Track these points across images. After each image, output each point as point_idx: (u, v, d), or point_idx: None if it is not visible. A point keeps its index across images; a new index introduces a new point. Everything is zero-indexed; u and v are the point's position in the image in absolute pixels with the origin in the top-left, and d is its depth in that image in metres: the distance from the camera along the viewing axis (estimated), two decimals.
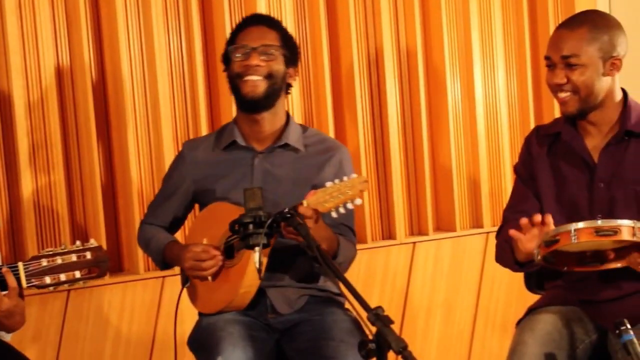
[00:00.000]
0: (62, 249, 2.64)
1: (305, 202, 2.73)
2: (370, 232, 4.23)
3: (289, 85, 3.13)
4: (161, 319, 3.84)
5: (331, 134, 4.13)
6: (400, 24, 4.36)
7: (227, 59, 3.12)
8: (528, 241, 2.69)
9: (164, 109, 3.81)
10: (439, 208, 4.48)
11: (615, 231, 2.53)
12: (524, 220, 2.71)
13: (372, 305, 4.12)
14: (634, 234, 2.53)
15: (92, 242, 2.66)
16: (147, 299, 3.83)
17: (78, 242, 2.67)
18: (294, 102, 4.05)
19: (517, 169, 3.11)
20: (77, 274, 2.62)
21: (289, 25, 4.00)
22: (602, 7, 4.79)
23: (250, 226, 2.56)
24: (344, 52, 4.21)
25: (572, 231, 2.54)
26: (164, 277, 3.79)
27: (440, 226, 4.48)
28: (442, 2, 4.39)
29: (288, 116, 3.17)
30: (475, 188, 4.49)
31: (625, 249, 2.65)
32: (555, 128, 3.00)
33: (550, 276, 3.02)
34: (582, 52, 2.82)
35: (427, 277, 4.40)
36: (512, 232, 2.73)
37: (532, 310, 2.97)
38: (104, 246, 3.68)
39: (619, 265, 2.68)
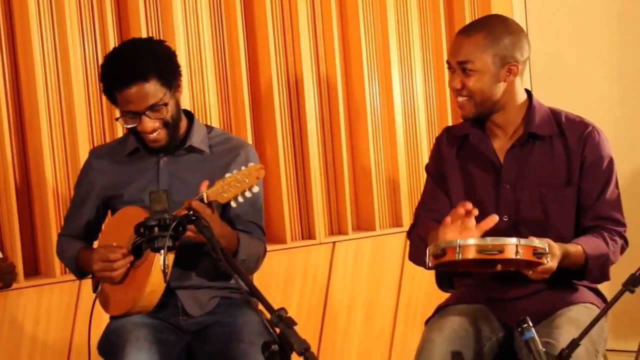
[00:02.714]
0: None
1: (204, 194, 2.75)
2: (289, 232, 4.24)
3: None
4: (78, 323, 3.80)
5: (249, 134, 4.13)
6: (318, 25, 4.38)
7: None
8: (450, 231, 2.70)
9: (78, 110, 3.77)
10: (359, 208, 4.51)
11: (500, 250, 2.57)
12: (460, 209, 2.71)
13: (293, 306, 4.21)
14: (516, 252, 2.56)
15: None
16: (63, 302, 3.79)
17: None
18: (210, 103, 4.04)
19: (428, 169, 3.14)
20: None
21: (206, 31, 4.00)
22: (518, 8, 4.87)
23: (156, 229, 2.55)
24: (261, 53, 4.21)
25: (457, 247, 2.57)
26: (80, 280, 3.75)
27: (360, 226, 4.51)
28: (360, 1, 4.41)
29: (191, 116, 3.15)
30: (394, 187, 4.53)
31: (515, 261, 2.69)
32: (464, 130, 3.04)
33: (460, 275, 3.06)
34: (476, 59, 2.86)
35: (348, 276, 4.43)
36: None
37: (440, 309, 3.01)
38: (19, 249, 3.66)
39: (510, 268, 2.72)
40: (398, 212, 4.52)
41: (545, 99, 4.32)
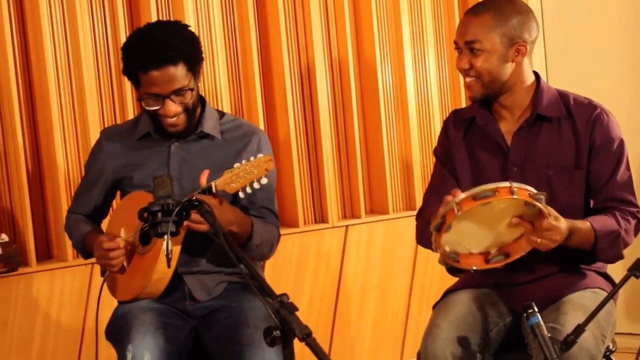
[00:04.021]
0: None
1: (213, 184, 2.74)
2: (302, 215, 4.24)
3: None
4: (90, 307, 3.81)
5: (261, 117, 4.12)
6: (330, 8, 4.35)
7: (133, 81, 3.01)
8: None
9: (89, 94, 3.78)
10: (372, 191, 4.50)
11: (494, 192, 2.54)
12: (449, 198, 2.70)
13: (306, 290, 4.21)
14: (511, 192, 2.54)
15: (3, 237, 2.65)
16: (75, 286, 3.81)
17: None
18: (221, 87, 4.04)
19: (436, 152, 3.12)
20: None
21: (216, 14, 4.00)
22: None
23: (159, 214, 2.54)
24: (273, 38, 4.19)
25: (455, 205, 2.55)
26: (92, 264, 3.76)
27: (373, 209, 4.50)
28: None
29: (203, 102, 3.14)
30: (407, 171, 4.51)
31: (522, 236, 2.67)
32: (471, 112, 3.02)
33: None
34: (484, 38, 2.83)
35: (361, 260, 4.42)
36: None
37: (448, 294, 3.00)
38: (31, 233, 3.68)
39: (523, 253, 2.70)
40: (411, 195, 4.50)
41: (560, 83, 4.29)
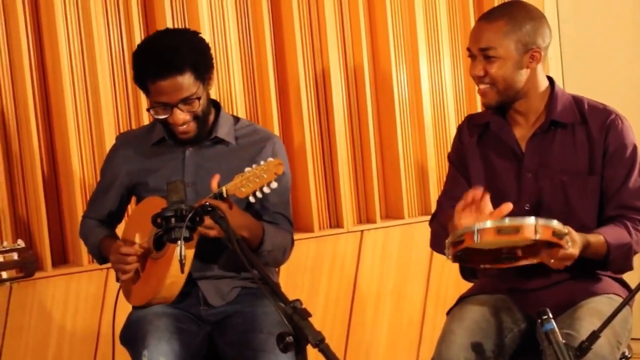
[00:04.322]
0: None
1: (224, 189, 2.74)
2: (317, 220, 4.23)
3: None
4: (106, 312, 3.82)
5: (276, 123, 4.12)
6: (345, 14, 4.35)
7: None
8: (465, 216, 2.69)
9: (104, 100, 3.79)
10: (387, 196, 4.49)
11: (517, 229, 2.53)
12: (473, 193, 2.69)
13: (321, 295, 4.21)
14: (535, 232, 2.53)
15: (20, 243, 2.65)
16: (91, 291, 3.81)
17: (5, 243, 2.66)
18: (236, 93, 4.04)
19: (450, 157, 3.12)
20: (4, 275, 2.61)
21: (231, 20, 4.00)
22: None
23: (172, 220, 2.55)
24: (288, 44, 4.19)
25: (476, 232, 2.54)
26: (108, 268, 3.77)
27: (388, 214, 4.49)
28: None
29: (218, 107, 3.14)
30: (423, 175, 4.50)
31: (536, 246, 2.66)
32: (485, 118, 3.01)
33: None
34: (498, 45, 2.82)
35: (376, 265, 4.41)
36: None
37: (462, 299, 2.99)
38: (47, 238, 3.69)
39: (533, 261, 2.69)
40: (427, 200, 4.49)
41: (576, 87, 4.27)
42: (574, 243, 2.61)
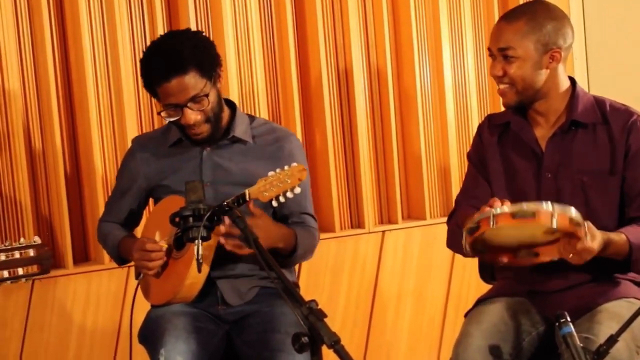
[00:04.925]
0: (5, 246, 2.64)
1: (247, 192, 2.75)
2: (338, 220, 4.22)
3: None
4: (127, 309, 3.83)
5: (298, 123, 4.12)
6: (368, 13, 4.34)
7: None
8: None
9: (127, 100, 3.80)
10: (409, 196, 4.47)
11: (533, 214, 2.51)
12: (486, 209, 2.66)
13: (342, 295, 4.20)
14: (552, 217, 2.50)
15: (36, 240, 2.66)
16: (112, 288, 3.83)
17: (22, 239, 2.67)
18: (259, 93, 4.04)
19: (470, 156, 3.10)
20: (20, 271, 2.62)
21: (255, 21, 4.01)
22: None
23: (190, 219, 2.56)
24: (311, 43, 4.19)
25: (492, 216, 2.52)
26: (129, 267, 3.77)
27: (410, 215, 4.47)
28: None
29: (233, 106, 3.14)
30: (445, 176, 4.48)
31: (554, 242, 2.63)
32: (505, 117, 2.99)
33: (501, 267, 3.00)
34: (517, 45, 2.80)
35: (397, 265, 4.39)
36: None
37: (480, 302, 2.97)
38: (68, 235, 3.71)
39: (552, 258, 2.66)
40: (449, 200, 4.46)
41: (602, 87, 4.23)
42: (592, 237, 2.57)
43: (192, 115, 2.94)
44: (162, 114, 3.00)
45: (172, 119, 2.98)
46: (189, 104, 2.92)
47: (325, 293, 4.19)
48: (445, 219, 4.35)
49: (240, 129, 3.09)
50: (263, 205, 2.86)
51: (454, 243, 2.95)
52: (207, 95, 2.93)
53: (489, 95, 4.62)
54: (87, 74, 3.74)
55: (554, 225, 2.51)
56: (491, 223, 2.52)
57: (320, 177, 4.20)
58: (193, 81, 2.90)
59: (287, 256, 2.98)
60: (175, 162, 3.11)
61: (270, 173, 2.74)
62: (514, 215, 2.52)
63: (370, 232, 4.30)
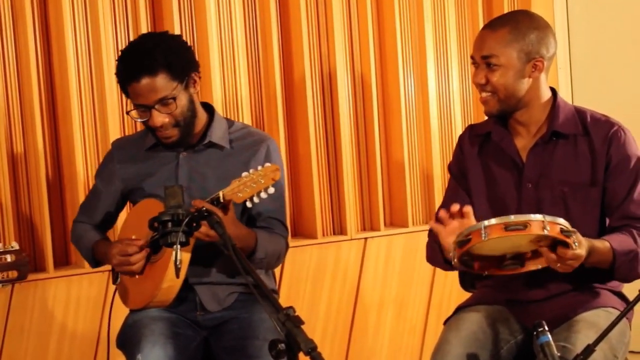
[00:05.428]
0: None
1: (220, 194, 2.74)
2: (321, 227, 4.22)
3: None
4: (107, 314, 3.76)
5: (281, 128, 4.12)
6: (353, 19, 4.34)
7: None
8: (448, 235, 2.69)
9: (110, 103, 3.80)
10: (392, 203, 4.48)
11: (525, 225, 2.50)
12: (442, 213, 2.69)
13: (323, 302, 4.20)
14: (543, 228, 2.50)
15: (14, 245, 2.66)
16: (92, 293, 3.82)
17: (0, 245, 2.67)
18: (242, 98, 4.04)
19: (450, 168, 3.11)
20: None
21: (239, 25, 4.01)
22: (559, 5, 4.80)
23: (169, 224, 2.55)
24: (296, 49, 4.19)
25: (483, 228, 2.52)
26: (110, 271, 3.75)
27: (392, 222, 4.47)
28: None
29: (211, 110, 3.14)
30: (427, 183, 4.49)
31: (539, 250, 2.63)
32: (486, 128, 3.00)
33: (482, 275, 3.00)
34: (500, 53, 2.81)
35: (379, 272, 4.39)
36: (433, 224, 2.72)
37: (459, 309, 2.97)
38: (49, 239, 3.70)
39: (539, 266, 2.66)
40: (431, 208, 4.47)
41: (585, 97, 4.24)
42: (580, 244, 2.57)
43: (159, 118, 2.93)
44: (132, 113, 3.00)
45: (139, 120, 2.99)
46: (156, 106, 2.92)
47: (307, 299, 4.19)
48: (427, 226, 4.36)
49: (217, 134, 3.08)
50: (236, 206, 2.85)
51: (432, 257, 2.96)
52: (174, 99, 2.92)
53: (472, 104, 4.63)
54: (70, 78, 3.73)
55: (547, 234, 2.51)
56: (482, 235, 2.52)
57: (303, 183, 4.20)
58: (162, 83, 2.90)
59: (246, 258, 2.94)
60: (152, 165, 3.10)
61: (244, 174, 2.74)
62: (506, 227, 2.51)
63: (352, 239, 4.30)
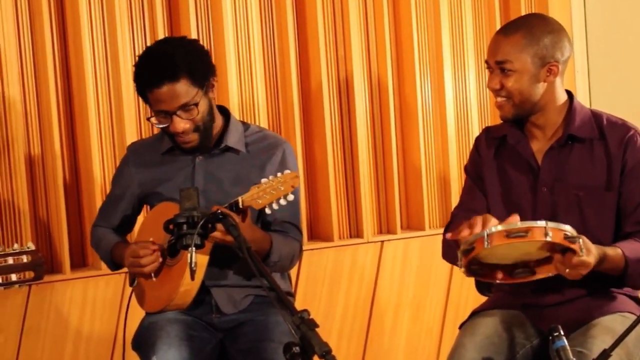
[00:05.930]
0: None
1: (240, 200, 2.74)
2: (337, 230, 4.22)
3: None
4: (123, 316, 3.79)
5: (298, 133, 4.12)
6: (370, 23, 4.34)
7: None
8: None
9: (127, 106, 3.81)
10: (408, 207, 4.47)
11: (526, 232, 2.49)
12: (464, 233, 2.64)
13: (339, 305, 4.19)
14: (545, 234, 2.49)
15: (30, 246, 2.67)
16: (109, 294, 3.83)
17: (16, 245, 2.67)
18: (259, 102, 4.04)
19: (467, 169, 3.10)
20: (14, 277, 2.63)
21: (256, 29, 4.01)
22: (577, 7, 4.78)
23: (184, 226, 2.56)
24: (312, 53, 4.19)
25: (485, 236, 2.51)
26: (126, 273, 3.77)
27: (409, 225, 4.47)
28: None
29: (227, 114, 3.14)
30: (444, 187, 4.48)
31: (550, 258, 2.62)
32: (503, 130, 2.98)
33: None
34: (514, 59, 2.80)
35: (395, 275, 4.39)
36: (450, 235, 2.70)
37: (475, 313, 2.96)
38: (66, 241, 3.72)
39: (549, 274, 2.64)
40: (448, 211, 4.44)
41: (603, 101, 4.21)
42: (588, 251, 2.55)
43: (181, 124, 2.93)
44: (152, 119, 3.00)
45: (160, 126, 2.98)
46: (178, 112, 2.92)
47: (323, 302, 4.19)
48: (444, 230, 4.39)
49: (233, 138, 3.08)
50: (252, 210, 2.85)
51: (448, 254, 2.95)
52: (197, 105, 2.93)
53: (489, 107, 4.62)
54: (87, 81, 3.75)
55: (549, 240, 2.49)
56: (485, 243, 2.51)
57: (320, 186, 4.20)
58: (184, 89, 2.90)
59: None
60: (168, 170, 3.11)
61: (264, 180, 2.73)
62: (508, 234, 2.50)
63: (369, 242, 4.29)
